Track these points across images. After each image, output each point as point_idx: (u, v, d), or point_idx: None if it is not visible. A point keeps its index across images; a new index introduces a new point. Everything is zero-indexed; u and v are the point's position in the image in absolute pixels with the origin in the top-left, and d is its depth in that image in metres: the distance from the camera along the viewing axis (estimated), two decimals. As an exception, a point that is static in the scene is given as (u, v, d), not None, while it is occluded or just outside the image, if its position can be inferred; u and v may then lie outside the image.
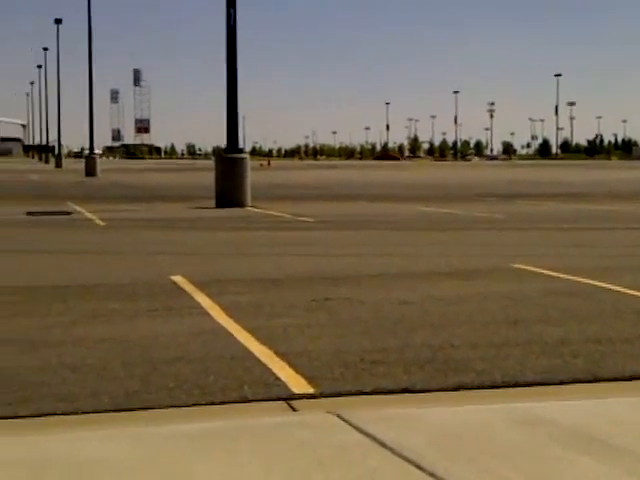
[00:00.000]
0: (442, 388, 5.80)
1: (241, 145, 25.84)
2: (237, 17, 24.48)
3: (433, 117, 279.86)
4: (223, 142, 26.70)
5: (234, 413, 5.31)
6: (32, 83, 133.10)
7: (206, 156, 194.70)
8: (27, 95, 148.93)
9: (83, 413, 5.28)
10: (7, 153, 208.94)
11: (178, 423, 5.01)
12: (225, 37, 24.63)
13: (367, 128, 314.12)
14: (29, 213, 21.80)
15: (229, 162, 24.97)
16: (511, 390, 5.79)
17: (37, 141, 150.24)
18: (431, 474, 3.97)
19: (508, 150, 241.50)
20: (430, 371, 6.15)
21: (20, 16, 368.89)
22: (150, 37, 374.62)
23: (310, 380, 5.89)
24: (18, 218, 20.53)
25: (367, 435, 4.54)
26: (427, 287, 9.77)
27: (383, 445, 4.38)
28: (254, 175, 26.74)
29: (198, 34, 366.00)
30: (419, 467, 4.07)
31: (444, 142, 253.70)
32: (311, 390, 5.71)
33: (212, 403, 5.47)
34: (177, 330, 7.44)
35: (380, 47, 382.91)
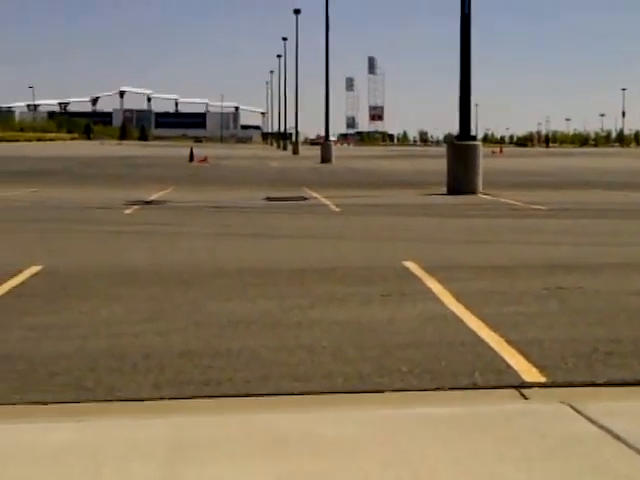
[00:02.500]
0: (680, 382, 5.64)
1: (473, 132, 25.69)
2: (472, 4, 24.35)
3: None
4: (455, 129, 26.63)
5: (465, 399, 5.37)
6: (272, 72, 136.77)
7: (438, 143, 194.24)
8: (267, 84, 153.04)
9: (318, 394, 5.47)
10: (247, 140, 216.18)
11: (410, 407, 5.11)
12: (459, 25, 24.55)
13: (602, 115, 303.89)
14: (268, 198, 22.53)
15: (461, 149, 24.90)
16: None
17: (275, 128, 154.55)
18: (666, 469, 3.90)
19: None
20: (667, 364, 5.98)
21: (261, 7, 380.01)
22: (385, 25, 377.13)
23: (541, 369, 5.87)
24: (258, 203, 21.25)
25: (600, 427, 4.49)
26: (666, 278, 9.46)
27: (617, 437, 4.32)
28: (485, 162, 26.53)
29: (432, 21, 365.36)
30: (654, 461, 4.00)
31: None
32: (543, 379, 5.69)
33: (443, 388, 5.55)
34: (409, 315, 7.57)
35: (616, 31, 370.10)
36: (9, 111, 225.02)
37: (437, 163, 42.08)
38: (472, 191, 24.16)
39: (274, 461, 4.08)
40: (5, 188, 25.65)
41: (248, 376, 5.76)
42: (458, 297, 8.28)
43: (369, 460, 4.09)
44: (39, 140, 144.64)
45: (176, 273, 9.85)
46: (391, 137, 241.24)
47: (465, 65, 24.64)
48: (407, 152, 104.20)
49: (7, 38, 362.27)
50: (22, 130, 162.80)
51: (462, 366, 5.97)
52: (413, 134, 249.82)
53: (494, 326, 7.07)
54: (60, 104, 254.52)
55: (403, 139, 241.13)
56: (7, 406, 5.19)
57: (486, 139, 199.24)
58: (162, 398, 5.34)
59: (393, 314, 7.60)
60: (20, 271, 9.73)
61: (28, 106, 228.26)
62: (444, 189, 24.91)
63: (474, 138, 25.75)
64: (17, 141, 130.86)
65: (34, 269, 9.95)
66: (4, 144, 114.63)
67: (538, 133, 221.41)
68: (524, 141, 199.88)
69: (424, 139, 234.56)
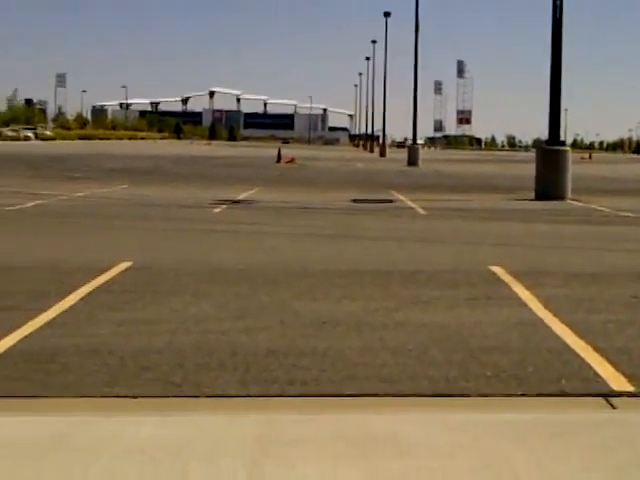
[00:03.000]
0: None
1: (562, 137, 25.38)
2: (563, 9, 24.07)
3: None
4: (544, 134, 26.35)
5: (551, 406, 5.33)
6: (360, 74, 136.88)
7: (526, 148, 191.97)
8: (355, 86, 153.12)
9: (403, 396, 5.48)
10: (334, 142, 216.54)
11: (495, 412, 5.10)
12: (550, 29, 24.30)
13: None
14: (354, 200, 22.57)
15: (550, 154, 24.62)
16: None
17: (362, 130, 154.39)
18: None
19: None
20: None
21: (351, 9, 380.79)
22: (473, 28, 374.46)
23: (630, 378, 5.79)
24: (345, 205, 21.30)
25: (690, 438, 4.42)
26: None
27: None
28: (574, 168, 26.17)
29: (521, 26, 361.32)
30: None
31: None
32: (631, 388, 5.61)
33: (529, 394, 5.51)
34: (495, 320, 7.53)
35: None
36: (102, 109, 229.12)
37: (525, 168, 41.68)
38: (561, 197, 23.88)
39: (359, 461, 4.11)
40: (98, 185, 26.15)
41: (333, 376, 5.79)
42: (545, 303, 8.21)
43: (453, 464, 4.09)
44: (130, 138, 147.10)
45: (263, 272, 9.94)
46: (478, 141, 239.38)
47: (556, 69, 24.37)
48: (495, 156, 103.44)
49: (102, 39, 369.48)
50: (114, 128, 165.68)
51: (549, 372, 5.92)
52: (501, 138, 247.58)
53: (582, 333, 7.00)
54: (151, 103, 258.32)
55: (491, 143, 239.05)
56: (98, 399, 5.31)
57: (575, 144, 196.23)
58: (248, 395, 5.41)
59: (479, 318, 7.57)
60: (110, 267, 9.92)
61: (120, 105, 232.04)
62: (532, 194, 24.66)
63: (563, 143, 25.43)
64: (109, 139, 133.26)
65: (124, 265, 10.13)
66: (97, 142, 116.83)
67: (629, 139, 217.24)
68: (614, 147, 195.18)
69: (512, 143, 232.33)
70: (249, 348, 6.44)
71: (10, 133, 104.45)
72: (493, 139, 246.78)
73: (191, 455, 4.16)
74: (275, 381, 5.67)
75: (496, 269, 10.30)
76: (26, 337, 6.68)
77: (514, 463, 4.11)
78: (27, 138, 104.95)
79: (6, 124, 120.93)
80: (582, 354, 6.39)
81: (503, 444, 4.39)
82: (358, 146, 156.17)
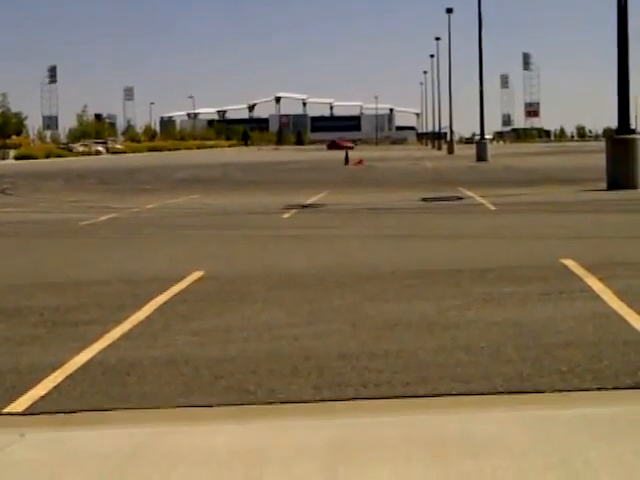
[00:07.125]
0: None
1: (633, 126, 25.00)
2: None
3: None
4: (614, 123, 25.99)
5: (628, 399, 5.27)
6: (425, 72, 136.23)
7: (596, 138, 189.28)
8: (420, 84, 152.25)
9: (477, 394, 5.46)
10: (402, 141, 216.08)
11: (571, 407, 5.05)
12: (616, 18, 24.00)
13: None
14: (424, 199, 22.50)
15: (620, 143, 24.28)
16: None
17: (429, 128, 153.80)
18: None
19: None
20: None
21: (414, 7, 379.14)
22: (539, 19, 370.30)
23: None
24: (414, 204, 21.25)
25: None
26: None
27: None
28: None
29: (587, 14, 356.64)
30: None
31: None
32: None
33: (605, 388, 5.45)
34: (568, 314, 7.46)
35: None
36: (170, 120, 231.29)
37: (596, 158, 41.15)
38: (633, 186, 23.54)
39: (434, 461, 4.11)
40: (169, 196, 26.42)
41: (406, 378, 5.79)
42: (620, 295, 8.11)
43: (529, 461, 4.07)
44: (199, 148, 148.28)
45: (333, 276, 9.97)
46: (547, 133, 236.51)
47: (623, 57, 24.04)
48: (565, 148, 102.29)
49: (168, 51, 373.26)
50: (182, 139, 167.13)
51: (625, 365, 5.85)
52: (570, 129, 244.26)
53: (658, 324, 6.90)
54: (218, 112, 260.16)
55: (560, 135, 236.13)
56: (173, 409, 5.38)
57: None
58: (322, 400, 5.43)
59: (552, 313, 7.50)
60: (183, 277, 10.02)
61: (188, 115, 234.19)
62: (603, 185, 24.35)
63: (634, 132, 25.07)
64: (178, 149, 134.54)
65: (197, 274, 10.24)
66: (166, 153, 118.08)
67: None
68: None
69: (582, 134, 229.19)
70: (321, 352, 6.47)
71: (81, 148, 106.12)
72: (562, 130, 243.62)
73: (267, 461, 4.21)
74: (348, 384, 5.69)
75: (568, 262, 10.19)
76: (104, 350, 6.79)
77: (591, 458, 4.08)
78: (98, 152, 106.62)
79: (77, 139, 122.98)
80: (658, 345, 6.30)
81: (580, 440, 4.36)
82: (426, 144, 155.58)
